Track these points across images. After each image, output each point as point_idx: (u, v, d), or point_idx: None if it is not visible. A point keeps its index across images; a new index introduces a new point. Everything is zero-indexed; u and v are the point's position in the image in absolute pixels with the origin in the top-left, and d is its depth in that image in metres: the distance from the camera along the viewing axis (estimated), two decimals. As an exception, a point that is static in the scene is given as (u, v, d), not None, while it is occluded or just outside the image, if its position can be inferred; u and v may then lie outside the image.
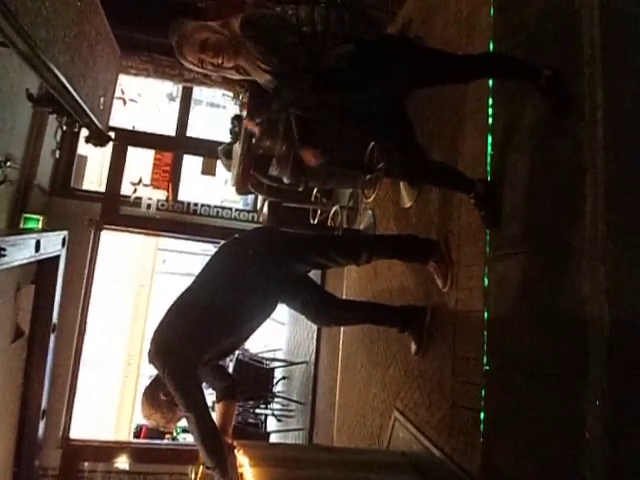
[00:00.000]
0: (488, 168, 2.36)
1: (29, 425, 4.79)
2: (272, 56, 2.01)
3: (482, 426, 2.12)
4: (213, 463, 2.00)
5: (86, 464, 5.72)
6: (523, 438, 1.89)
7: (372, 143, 3.55)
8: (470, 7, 2.76)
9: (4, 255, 3.14)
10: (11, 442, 4.81)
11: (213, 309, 2.11)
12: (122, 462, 5.78)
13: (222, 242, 2.50)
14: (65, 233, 4.80)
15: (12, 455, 4.84)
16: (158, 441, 6.85)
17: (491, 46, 2.45)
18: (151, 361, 2.02)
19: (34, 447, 4.93)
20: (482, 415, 2.13)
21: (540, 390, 1.85)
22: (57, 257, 4.67)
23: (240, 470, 2.21)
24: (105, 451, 5.82)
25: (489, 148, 2.37)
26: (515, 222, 2.13)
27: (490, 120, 2.37)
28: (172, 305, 2.19)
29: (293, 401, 6.15)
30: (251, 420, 6.47)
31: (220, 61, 2.06)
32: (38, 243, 3.95)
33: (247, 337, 2.36)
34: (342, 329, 4.46)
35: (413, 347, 2.82)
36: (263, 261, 2.28)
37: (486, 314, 2.22)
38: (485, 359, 2.18)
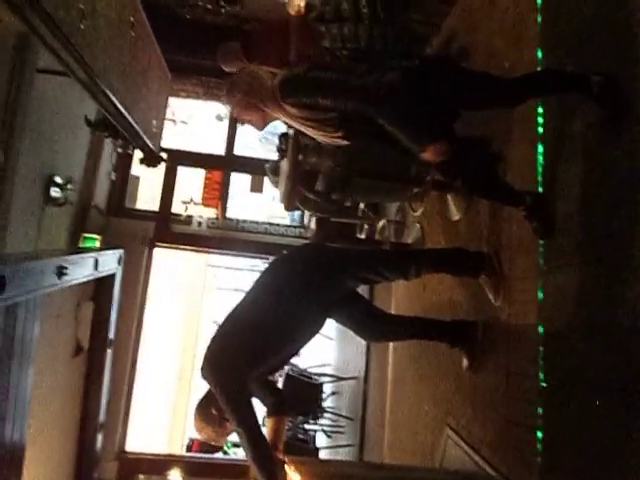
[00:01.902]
0: (539, 178, 2.30)
1: (88, 438, 4.95)
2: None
3: (539, 445, 2.05)
4: (264, 478, 2.02)
5: (141, 477, 5.84)
6: (584, 458, 1.82)
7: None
8: (515, 16, 2.72)
9: (66, 274, 3.29)
10: (71, 454, 4.98)
11: (263, 325, 2.14)
12: (175, 475, 5.87)
13: (271, 259, 2.54)
14: (121, 252, 4.98)
15: (73, 467, 5.01)
16: (210, 455, 6.93)
17: (539, 54, 2.41)
18: (204, 376, 2.07)
19: (93, 459, 5.08)
20: (539, 434, 2.06)
21: (601, 408, 1.77)
22: (113, 275, 4.85)
23: (291, 486, 2.21)
24: (159, 464, 5.94)
25: (540, 158, 2.31)
26: (570, 233, 2.07)
27: (540, 129, 2.32)
28: (224, 321, 2.23)
29: (343, 417, 6.11)
30: (300, 436, 6.45)
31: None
32: (96, 261, 4.12)
33: (296, 352, 2.38)
34: (391, 344, 4.42)
35: (465, 362, 2.76)
36: (312, 277, 2.30)
37: (541, 328, 2.15)
38: (542, 375, 2.11)
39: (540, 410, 2.07)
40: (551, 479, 1.98)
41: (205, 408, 2.14)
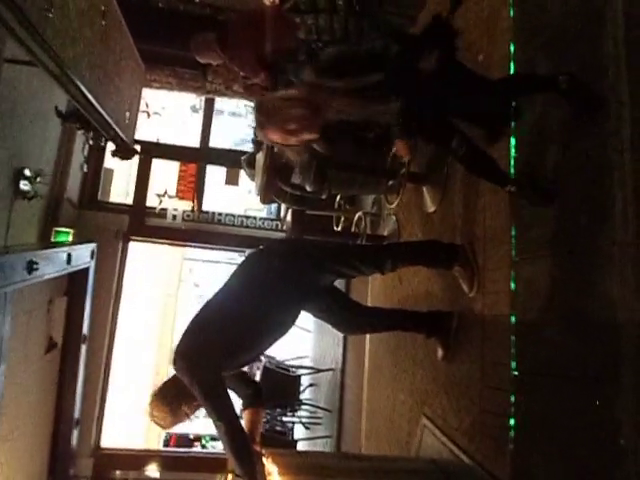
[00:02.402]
0: (512, 170, 2.34)
1: (63, 434, 4.89)
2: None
3: (512, 432, 2.09)
4: (243, 471, 2.02)
5: (118, 472, 5.79)
6: (554, 445, 1.86)
7: (394, 148, 3.55)
8: (490, 8, 2.75)
9: (36, 269, 3.22)
10: (46, 451, 4.91)
11: (238, 318, 2.14)
12: (152, 470, 5.84)
13: (248, 252, 2.53)
14: (94, 246, 4.90)
15: (47, 464, 4.94)
16: (187, 449, 6.91)
17: (512, 48, 2.43)
18: (177, 370, 2.05)
19: (68, 456, 5.02)
20: (512, 421, 2.10)
21: (571, 396, 1.81)
22: (87, 269, 4.77)
23: (269, 478, 2.21)
24: (135, 459, 5.89)
25: (512, 150, 2.34)
26: (542, 225, 2.10)
27: (512, 123, 2.35)
28: (196, 315, 2.22)
29: (320, 408, 6.13)
30: (278, 428, 6.47)
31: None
32: (69, 256, 4.05)
33: (271, 344, 2.38)
34: (368, 336, 4.45)
35: (440, 352, 2.80)
36: (288, 271, 2.31)
37: (513, 318, 2.19)
38: (514, 364, 2.15)
39: (512, 398, 2.12)
40: (524, 466, 2.03)
41: (167, 395, 2.10)
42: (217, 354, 2.05)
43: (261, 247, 2.52)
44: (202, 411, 2.13)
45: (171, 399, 2.08)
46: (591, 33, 1.90)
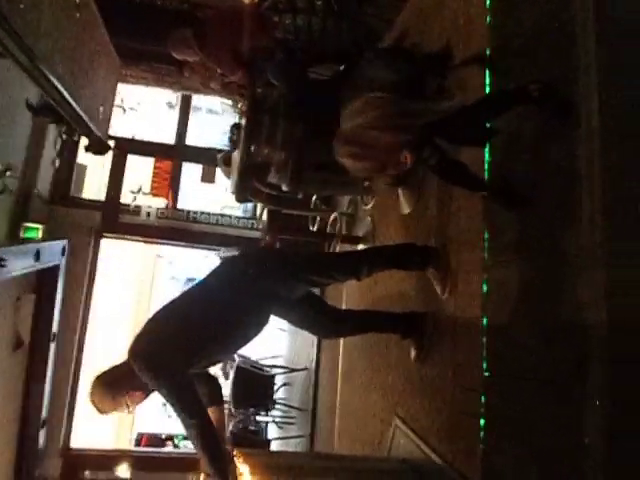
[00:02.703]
0: (486, 175, 2.37)
1: (29, 434, 4.78)
2: None
3: (482, 433, 2.12)
4: (215, 470, 2.01)
5: (87, 473, 5.69)
6: (524, 445, 1.89)
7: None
8: (466, 14, 2.78)
9: (4, 265, 3.15)
10: (11, 451, 4.80)
11: (207, 320, 2.14)
12: (123, 470, 5.76)
13: (223, 258, 2.54)
14: (65, 242, 4.81)
15: (12, 464, 4.83)
16: (159, 449, 6.84)
17: (488, 52, 2.47)
18: (139, 369, 2.01)
19: (34, 456, 4.91)
20: (482, 422, 2.14)
21: (540, 397, 1.85)
22: (57, 266, 4.67)
23: (240, 478, 2.21)
24: (106, 460, 5.81)
25: (486, 155, 2.38)
26: (513, 229, 2.14)
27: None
28: (158, 314, 2.20)
29: (294, 408, 6.14)
30: (252, 427, 6.45)
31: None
32: (38, 252, 3.96)
33: (238, 348, 2.38)
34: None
35: (413, 353, 2.83)
36: (261, 279, 2.31)
37: (485, 320, 2.23)
38: (485, 365, 2.18)
39: (483, 399, 2.15)
40: (493, 466, 2.06)
41: (112, 382, 2.07)
42: (181, 356, 2.03)
43: (237, 254, 2.54)
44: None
45: (117, 387, 2.05)
46: (562, 40, 1.94)
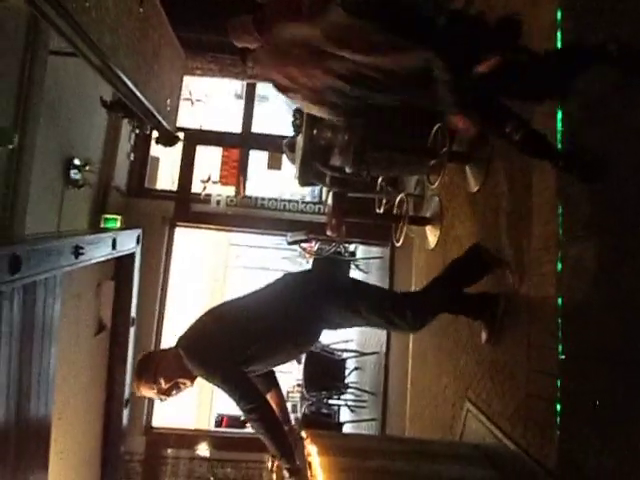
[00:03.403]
0: (559, 146, 2.22)
1: (114, 413, 5.09)
2: None
3: (558, 418, 2.01)
4: (280, 452, 2.03)
5: (169, 450, 5.99)
6: (603, 431, 1.78)
7: (436, 126, 3.45)
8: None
9: (82, 253, 3.33)
10: (98, 429, 5.13)
11: (262, 329, 2.14)
12: (203, 449, 6.01)
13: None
14: (139, 231, 5.03)
15: (99, 441, 5.17)
16: (238, 430, 7.04)
17: (559, 15, 2.30)
18: (191, 363, 2.05)
19: (119, 434, 5.23)
20: (558, 406, 2.02)
21: (620, 381, 1.72)
22: (133, 254, 4.90)
23: (308, 459, 2.22)
24: (187, 439, 6.08)
25: (559, 124, 2.23)
26: (590, 202, 1.99)
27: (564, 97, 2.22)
28: (214, 311, 2.26)
29: (365, 392, 6.14)
30: (324, 410, 6.52)
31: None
32: (114, 241, 4.16)
33: (279, 362, 2.35)
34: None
35: (484, 336, 2.72)
36: (319, 305, 2.27)
37: (560, 300, 2.10)
38: (560, 347, 2.06)
39: (559, 383, 2.03)
40: (570, 454, 1.95)
41: (145, 369, 2.11)
42: (230, 352, 2.06)
43: (304, 271, 2.51)
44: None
45: (158, 371, 2.06)
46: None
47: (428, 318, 2.42)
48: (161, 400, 2.16)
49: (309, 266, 8.16)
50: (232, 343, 2.08)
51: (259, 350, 2.12)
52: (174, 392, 2.11)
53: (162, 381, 2.05)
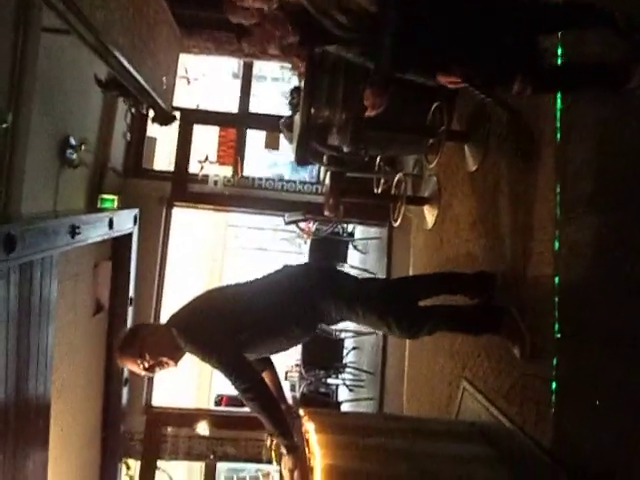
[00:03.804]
0: (557, 124, 2.20)
1: (113, 393, 5.12)
2: None
3: (553, 396, 2.02)
4: (277, 430, 2.04)
5: (169, 429, 6.04)
6: (598, 409, 1.79)
7: (435, 104, 3.42)
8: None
9: (79, 233, 3.32)
10: (98, 409, 5.17)
11: (254, 320, 2.13)
12: (202, 428, 6.06)
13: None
14: (136, 211, 5.00)
15: (100, 419, 5.21)
16: (237, 409, 7.09)
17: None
18: (189, 348, 2.04)
19: (118, 413, 5.27)
20: (554, 385, 2.04)
21: (616, 360, 1.73)
22: (130, 234, 4.88)
23: (306, 436, 2.24)
24: (186, 418, 6.12)
25: (558, 102, 2.20)
26: (588, 180, 1.98)
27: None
28: (212, 296, 2.25)
29: (363, 371, 6.19)
30: (322, 390, 6.57)
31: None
32: (111, 221, 4.14)
33: (272, 350, 2.32)
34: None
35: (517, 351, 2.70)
36: (315, 301, 2.25)
37: (557, 279, 2.10)
38: (557, 326, 2.07)
39: (555, 361, 2.04)
40: (565, 431, 1.97)
41: (131, 342, 2.07)
42: (224, 334, 2.05)
43: (304, 264, 2.48)
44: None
45: (145, 346, 2.02)
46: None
47: (423, 331, 2.35)
48: (142, 375, 2.15)
49: (307, 247, 8.16)
50: (226, 326, 2.06)
51: (249, 339, 2.10)
52: (157, 369, 2.07)
53: (147, 356, 2.01)
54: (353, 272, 6.86)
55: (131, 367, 2.09)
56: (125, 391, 5.26)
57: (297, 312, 2.21)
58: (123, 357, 2.07)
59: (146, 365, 2.03)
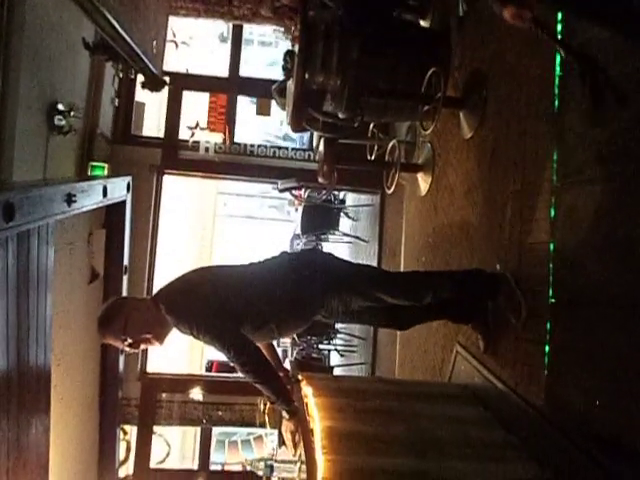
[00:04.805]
0: (556, 91, 2.20)
1: (110, 360, 5.18)
2: None
3: (546, 359, 2.08)
4: (277, 397, 2.08)
5: (164, 395, 6.14)
6: (590, 373, 1.84)
7: (431, 70, 3.38)
8: None
9: (75, 201, 3.30)
10: (96, 375, 5.23)
11: (243, 305, 2.08)
12: (196, 393, 6.17)
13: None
14: (129, 178, 4.96)
15: (97, 387, 5.28)
16: (228, 374, 7.21)
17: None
18: (180, 324, 1.99)
19: (116, 379, 5.34)
20: (547, 348, 2.09)
21: (609, 324, 1.78)
22: (123, 202, 4.85)
23: (305, 400, 2.29)
24: (180, 384, 6.23)
25: (557, 69, 2.20)
26: (586, 145, 1.99)
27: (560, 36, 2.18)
28: (203, 274, 2.20)
29: (355, 337, 6.28)
30: (314, 355, 6.67)
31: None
32: (105, 189, 4.11)
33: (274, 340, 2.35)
34: (402, 262, 4.47)
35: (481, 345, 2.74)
36: (310, 292, 2.22)
37: (552, 246, 2.13)
38: (551, 292, 2.11)
39: (548, 325, 2.09)
40: (558, 392, 2.03)
41: (114, 317, 1.98)
42: (220, 314, 2.01)
43: (301, 251, 2.41)
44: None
45: (127, 323, 1.95)
46: None
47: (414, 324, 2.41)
48: (125, 352, 2.09)
49: (297, 214, 8.14)
50: (219, 305, 2.02)
51: (243, 318, 2.06)
52: (141, 346, 2.01)
53: (131, 332, 1.95)
54: (345, 239, 6.91)
55: (113, 342, 2.01)
56: (122, 358, 5.33)
57: (288, 302, 2.17)
58: (106, 332, 2.00)
59: (130, 341, 1.96)
